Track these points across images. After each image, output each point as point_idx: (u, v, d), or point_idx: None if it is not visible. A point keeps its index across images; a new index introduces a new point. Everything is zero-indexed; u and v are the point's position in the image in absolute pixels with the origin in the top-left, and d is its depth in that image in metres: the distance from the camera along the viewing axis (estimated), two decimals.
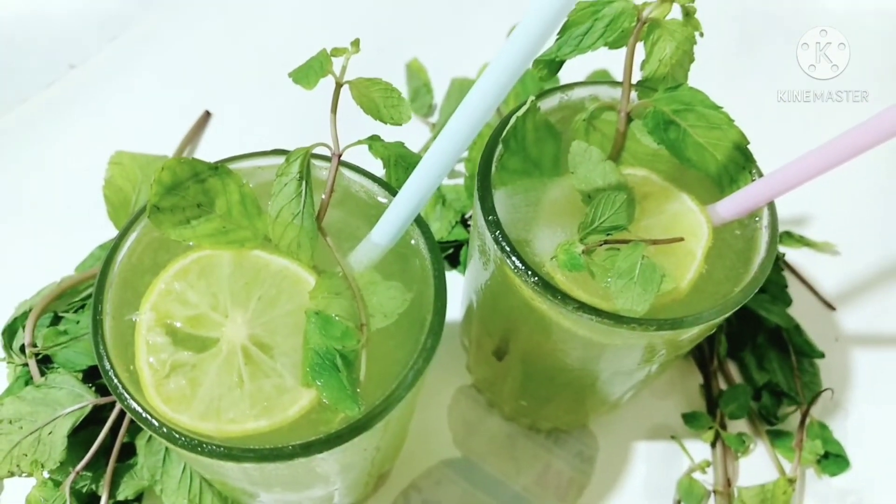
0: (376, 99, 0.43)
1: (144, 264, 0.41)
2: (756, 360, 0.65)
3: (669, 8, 0.47)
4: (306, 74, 0.41)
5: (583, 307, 0.41)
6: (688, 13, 0.48)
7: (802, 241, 0.74)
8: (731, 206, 0.46)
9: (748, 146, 0.47)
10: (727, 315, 0.43)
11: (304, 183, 0.43)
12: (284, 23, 0.86)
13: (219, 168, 0.42)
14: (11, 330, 0.60)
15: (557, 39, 0.48)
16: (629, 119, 0.49)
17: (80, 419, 0.53)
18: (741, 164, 0.47)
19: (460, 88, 0.78)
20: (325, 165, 0.44)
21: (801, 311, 0.68)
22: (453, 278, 0.70)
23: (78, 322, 0.59)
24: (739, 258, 0.46)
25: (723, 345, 0.65)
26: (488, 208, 0.44)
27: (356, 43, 0.42)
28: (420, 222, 0.43)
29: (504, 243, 0.43)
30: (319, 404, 0.38)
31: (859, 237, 0.75)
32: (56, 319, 0.60)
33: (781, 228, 0.74)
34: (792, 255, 0.73)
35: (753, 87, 0.78)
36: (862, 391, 0.66)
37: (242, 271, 0.41)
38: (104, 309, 0.39)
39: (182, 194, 0.41)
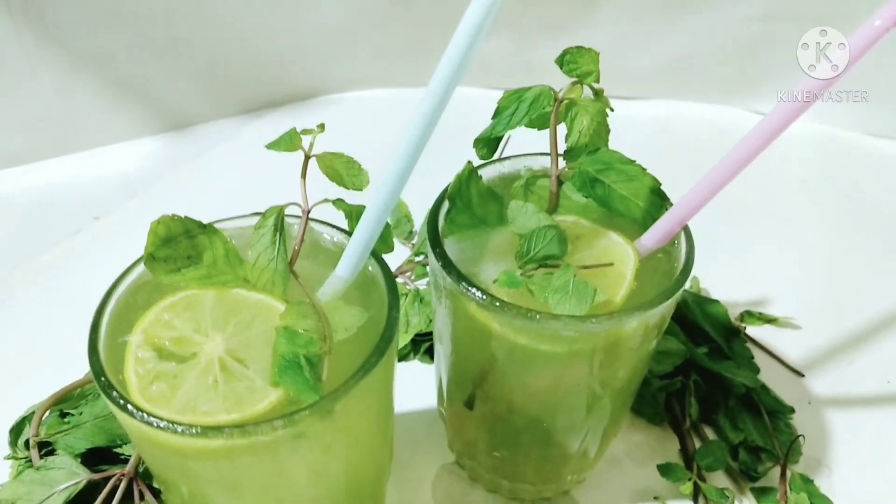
0: (340, 169, 0.52)
1: (138, 303, 0.48)
2: (730, 422, 0.67)
3: (581, 90, 0.57)
4: (279, 144, 0.51)
5: (523, 310, 0.46)
6: (596, 92, 0.58)
7: (763, 318, 0.78)
8: (652, 236, 0.52)
9: (661, 187, 0.54)
10: (653, 309, 0.47)
11: (278, 234, 0.50)
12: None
13: (206, 227, 0.50)
14: (18, 429, 0.64)
15: (491, 121, 0.58)
16: (560, 182, 0.57)
17: (75, 493, 0.56)
18: (659, 204, 0.54)
19: None
20: (297, 222, 0.52)
21: (771, 379, 0.71)
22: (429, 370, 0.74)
23: (81, 413, 0.63)
24: (666, 276, 0.52)
25: (693, 407, 0.68)
26: (438, 249, 0.51)
27: (322, 126, 0.52)
28: (377, 257, 0.50)
29: (452, 271, 0.49)
30: (286, 400, 0.42)
31: (818, 311, 0.80)
32: (62, 415, 0.64)
33: (741, 309, 0.79)
34: (755, 331, 0.78)
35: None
36: (843, 449, 0.67)
37: (223, 304, 0.47)
38: (99, 333, 0.45)
39: (174, 247, 0.48)
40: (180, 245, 0.49)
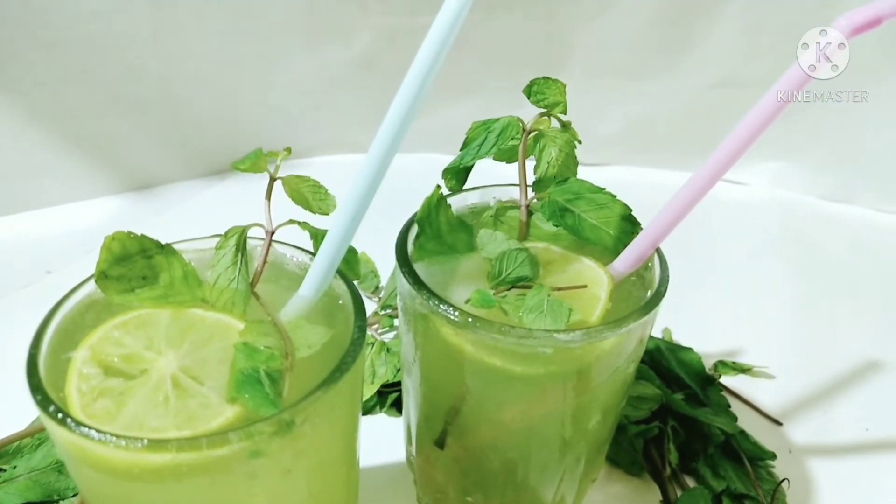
0: (305, 193, 0.51)
1: (86, 321, 0.45)
2: (710, 470, 0.65)
3: (549, 121, 0.58)
4: (244, 163, 0.49)
5: (498, 325, 0.44)
6: (564, 124, 0.58)
7: (737, 368, 0.77)
8: (624, 260, 0.51)
9: (632, 213, 0.54)
10: (629, 326, 0.46)
11: (239, 254, 0.48)
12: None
13: (164, 247, 0.47)
14: None
15: (460, 152, 0.58)
16: (529, 212, 0.57)
17: None
18: (630, 230, 0.54)
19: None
20: (260, 243, 0.50)
21: (749, 427, 0.69)
22: (400, 424, 0.71)
23: (15, 467, 0.58)
24: (640, 300, 0.51)
25: (673, 454, 0.65)
26: (408, 269, 0.49)
27: (289, 149, 0.52)
28: (343, 277, 0.48)
29: (423, 290, 0.47)
30: (243, 418, 0.39)
31: (789, 361, 0.79)
32: None
33: (714, 360, 0.78)
34: (729, 381, 0.76)
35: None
36: (828, 497, 0.65)
37: (179, 322, 0.45)
38: (40, 348, 0.41)
39: (129, 266, 0.46)
40: (136, 264, 0.46)
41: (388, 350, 0.73)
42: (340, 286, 0.47)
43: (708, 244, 0.98)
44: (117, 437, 0.35)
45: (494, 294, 0.48)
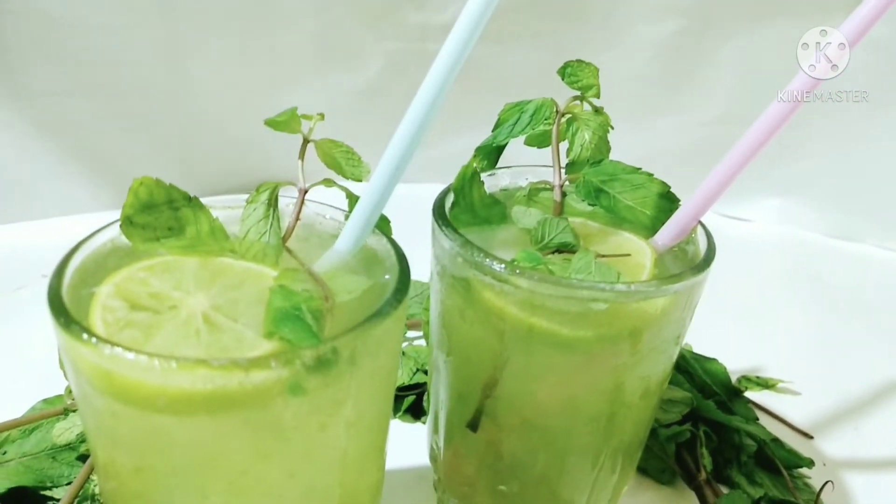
0: (338, 158, 0.49)
1: (108, 264, 0.42)
2: (745, 478, 0.61)
3: (582, 106, 0.57)
4: (277, 123, 0.48)
5: (551, 275, 0.42)
6: (596, 108, 0.58)
7: (762, 383, 0.74)
8: (666, 234, 0.50)
9: (670, 190, 0.53)
10: (684, 282, 0.44)
11: (271, 209, 0.46)
12: None
13: (192, 200, 0.45)
14: None
15: (492, 133, 0.57)
16: (563, 193, 0.55)
17: None
18: (669, 208, 0.52)
19: None
20: (291, 201, 0.48)
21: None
22: (418, 429, 0.67)
23: (5, 452, 0.53)
24: (688, 264, 0.49)
25: (706, 458, 0.61)
26: (447, 228, 0.47)
27: (321, 115, 0.50)
28: (382, 231, 0.45)
29: (466, 245, 0.45)
30: (282, 354, 0.36)
31: (813, 378, 0.77)
32: None
33: (736, 376, 0.75)
34: (754, 396, 0.73)
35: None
36: None
37: (208, 268, 0.42)
38: (63, 279, 0.38)
39: (155, 216, 0.44)
40: (162, 214, 0.44)
41: (402, 353, 0.70)
42: (378, 242, 0.45)
43: (718, 275, 0.97)
44: (149, 355, 0.32)
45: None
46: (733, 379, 0.75)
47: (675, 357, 0.50)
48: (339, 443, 0.39)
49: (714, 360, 0.71)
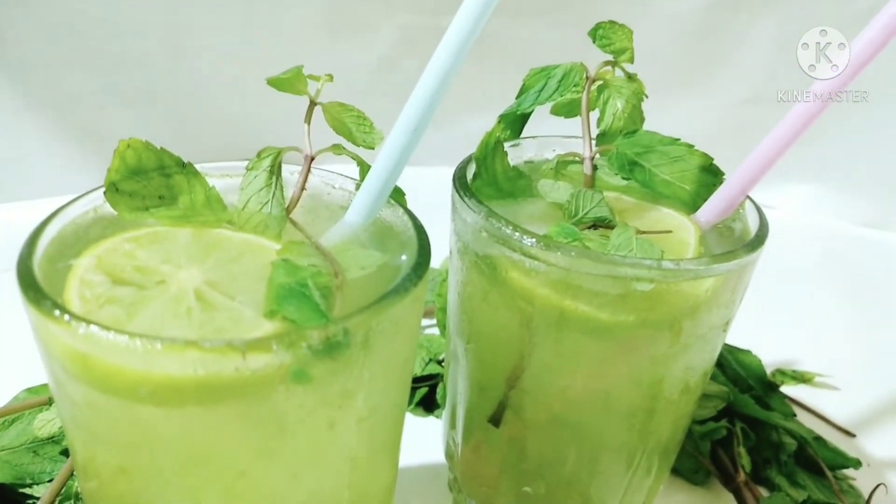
0: (349, 123, 0.44)
1: (90, 234, 0.37)
2: (786, 479, 0.56)
3: (613, 72, 0.52)
4: (280, 82, 0.43)
5: (591, 251, 0.37)
6: (629, 75, 0.53)
7: (798, 377, 0.69)
8: (710, 210, 0.45)
9: (713, 163, 0.48)
10: (737, 260, 0.39)
11: (273, 176, 0.41)
12: None
13: (186, 166, 0.41)
14: None
15: (516, 100, 0.52)
16: (594, 166, 0.51)
17: None
18: (711, 182, 0.48)
19: None
20: (296, 169, 0.43)
21: None
22: (431, 423, 0.62)
23: None
24: (736, 242, 0.44)
25: (744, 457, 0.57)
26: (470, 198, 0.43)
27: (330, 76, 0.46)
28: (397, 202, 0.40)
29: (492, 217, 0.40)
30: (285, 335, 0.31)
31: (850, 373, 0.72)
32: None
33: (772, 369, 0.70)
34: (789, 391, 0.68)
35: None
36: None
37: (202, 240, 0.37)
38: (35, 250, 0.34)
39: (144, 182, 0.39)
40: (152, 181, 0.39)
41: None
42: (393, 214, 0.40)
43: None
44: (131, 335, 0.27)
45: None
46: (767, 372, 0.70)
47: (719, 347, 0.45)
48: (348, 440, 0.34)
49: (748, 351, 0.67)
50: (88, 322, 0.28)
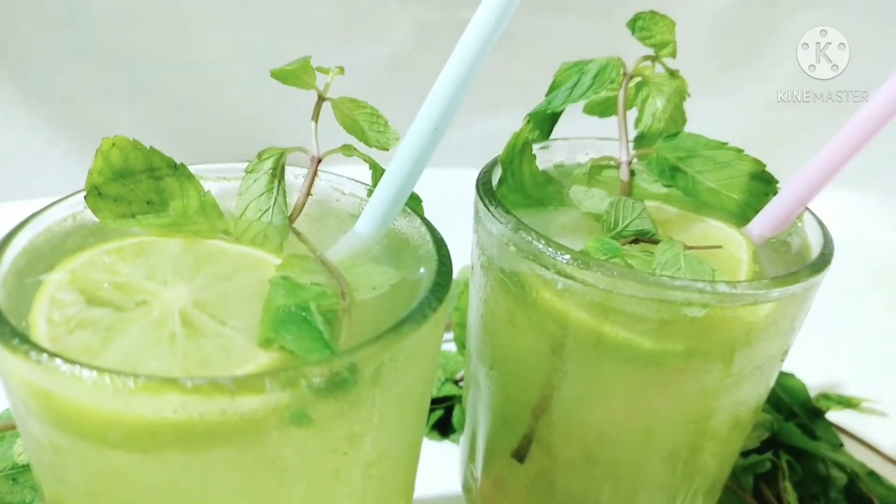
0: (361, 121, 0.40)
1: (68, 245, 0.33)
2: None
3: (653, 67, 0.48)
4: (286, 75, 0.39)
5: (635, 272, 0.33)
6: (671, 71, 0.48)
7: (843, 402, 0.64)
8: (764, 223, 0.40)
9: (765, 170, 0.43)
10: (801, 283, 0.34)
11: (275, 180, 0.37)
12: None
13: (178, 168, 0.36)
14: None
15: (546, 97, 0.47)
16: (632, 172, 0.46)
17: None
18: (763, 191, 0.43)
19: None
20: (301, 172, 0.39)
21: None
22: (446, 448, 0.58)
23: None
24: (794, 260, 0.39)
25: (790, 493, 0.52)
26: (497, 207, 0.38)
27: (341, 68, 0.42)
28: (413, 211, 0.36)
29: (522, 229, 0.36)
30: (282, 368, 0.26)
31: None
32: None
33: (816, 391, 0.65)
34: (834, 417, 0.63)
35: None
36: None
37: (193, 252, 0.33)
38: None
39: (131, 186, 0.35)
40: (139, 185, 0.35)
41: None
42: (410, 224, 0.36)
43: None
44: (99, 371, 0.23)
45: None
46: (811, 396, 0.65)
47: (774, 379, 0.40)
48: (355, 488, 0.30)
49: (791, 375, 0.62)
50: (52, 354, 0.24)
